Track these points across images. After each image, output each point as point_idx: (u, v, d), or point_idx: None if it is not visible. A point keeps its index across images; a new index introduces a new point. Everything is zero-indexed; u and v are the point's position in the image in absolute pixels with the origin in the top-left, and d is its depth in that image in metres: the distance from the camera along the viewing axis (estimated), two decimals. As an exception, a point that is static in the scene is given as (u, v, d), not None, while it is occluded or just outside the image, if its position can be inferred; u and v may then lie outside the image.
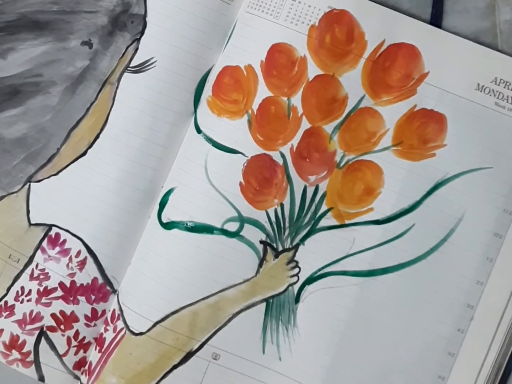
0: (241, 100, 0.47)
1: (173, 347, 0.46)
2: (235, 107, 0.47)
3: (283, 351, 0.46)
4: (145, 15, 0.48)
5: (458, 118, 0.45)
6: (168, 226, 0.47)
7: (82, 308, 0.48)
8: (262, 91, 0.47)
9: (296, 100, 0.47)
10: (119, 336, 0.47)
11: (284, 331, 0.46)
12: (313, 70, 0.47)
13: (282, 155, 0.47)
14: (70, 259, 0.48)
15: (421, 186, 0.46)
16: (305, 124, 0.47)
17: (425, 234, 0.45)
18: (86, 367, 0.48)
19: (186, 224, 0.47)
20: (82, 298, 0.48)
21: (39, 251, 0.48)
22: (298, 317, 0.46)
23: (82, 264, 0.48)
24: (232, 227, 0.47)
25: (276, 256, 0.47)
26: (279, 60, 0.47)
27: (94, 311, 0.48)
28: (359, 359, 0.45)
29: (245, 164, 0.47)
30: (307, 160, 0.47)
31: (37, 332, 0.48)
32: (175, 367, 0.46)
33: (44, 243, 0.48)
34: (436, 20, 0.47)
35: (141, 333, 0.46)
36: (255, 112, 0.47)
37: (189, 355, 0.46)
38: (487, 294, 0.45)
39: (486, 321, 0.44)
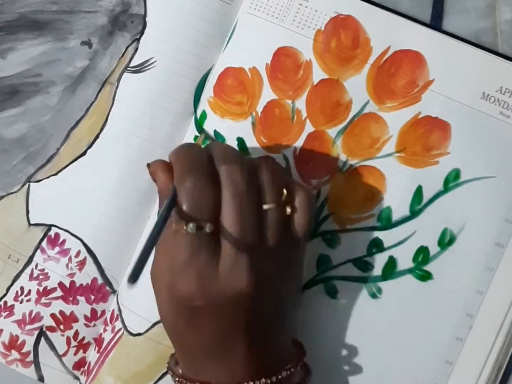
0: (245, 102, 0.47)
1: (171, 348, 0.46)
2: (239, 109, 0.47)
3: (281, 354, 0.46)
4: (145, 15, 0.47)
5: (462, 127, 0.45)
6: (168, 226, 0.47)
7: (82, 308, 0.48)
8: (267, 94, 0.47)
9: (301, 103, 0.46)
10: (117, 336, 0.47)
11: (282, 334, 0.46)
12: (318, 74, 0.46)
13: (285, 158, 0.46)
14: (70, 259, 0.48)
15: (423, 194, 0.45)
16: (309, 128, 0.46)
17: (426, 241, 0.45)
18: (86, 367, 0.48)
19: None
20: (81, 298, 0.48)
21: (38, 251, 0.48)
22: (296, 321, 0.46)
23: (81, 264, 0.48)
24: (233, 228, 0.47)
25: (276, 259, 0.47)
26: (284, 63, 0.46)
27: (93, 311, 0.48)
28: (357, 365, 0.46)
29: (248, 166, 0.47)
30: (310, 163, 0.46)
31: (36, 332, 0.48)
32: (172, 368, 0.46)
33: (44, 243, 0.48)
34: (436, 20, 0.46)
35: (139, 334, 0.47)
36: (259, 114, 0.47)
37: (187, 356, 0.47)
38: (487, 303, 0.45)
39: (485, 330, 0.44)
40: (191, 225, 0.36)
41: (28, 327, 0.48)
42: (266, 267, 0.38)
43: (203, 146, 0.41)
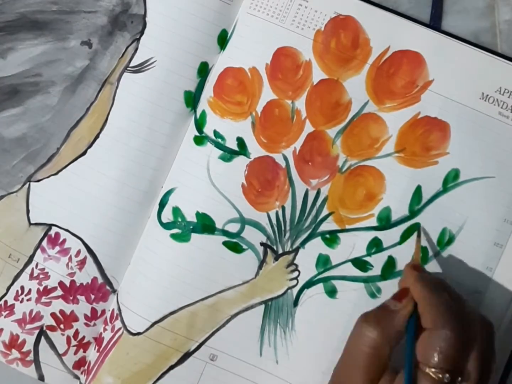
0: (245, 102, 0.47)
1: (171, 348, 0.46)
2: (239, 109, 0.47)
3: (280, 354, 0.47)
4: (144, 15, 0.47)
5: (461, 127, 0.45)
6: (168, 226, 0.47)
7: (82, 307, 0.48)
8: (267, 94, 0.47)
9: (300, 103, 0.46)
10: (117, 336, 0.47)
11: (282, 334, 0.47)
12: (317, 74, 0.46)
13: (285, 158, 0.47)
14: (70, 259, 0.48)
15: (422, 194, 0.45)
16: (309, 128, 0.47)
17: (425, 241, 0.45)
18: (86, 366, 0.48)
19: (187, 224, 0.47)
20: (81, 298, 0.48)
21: (39, 251, 0.48)
22: (296, 321, 0.46)
23: (81, 263, 0.48)
24: (233, 228, 0.47)
25: (276, 259, 0.47)
26: (284, 63, 0.46)
27: (93, 310, 0.48)
28: (356, 365, 0.46)
29: (248, 165, 0.47)
30: (310, 163, 0.46)
31: (37, 331, 0.48)
32: (172, 367, 0.47)
33: (44, 243, 0.48)
34: (435, 20, 0.46)
35: (138, 333, 0.47)
36: (259, 114, 0.47)
37: (186, 355, 0.47)
38: (486, 303, 0.45)
39: (483, 330, 0.45)
40: (447, 375, 0.37)
41: (28, 326, 0.48)
42: None
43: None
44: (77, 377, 0.48)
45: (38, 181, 0.48)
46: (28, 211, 0.48)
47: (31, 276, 0.48)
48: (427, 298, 0.39)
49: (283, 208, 0.47)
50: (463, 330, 0.38)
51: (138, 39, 0.47)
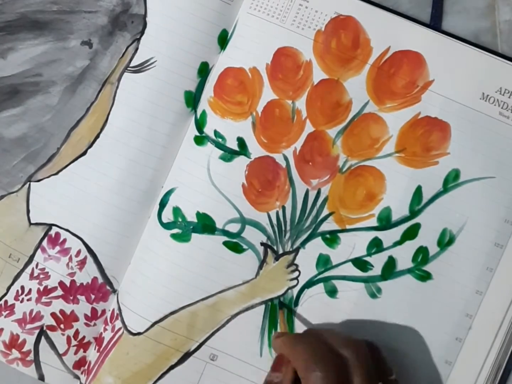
0: (245, 102, 0.47)
1: (171, 348, 0.46)
2: (239, 109, 0.47)
3: (281, 354, 0.47)
4: (145, 15, 0.47)
5: (462, 127, 0.45)
6: (168, 226, 0.47)
7: (82, 307, 0.48)
8: (267, 94, 0.47)
9: (301, 103, 0.46)
10: (117, 336, 0.47)
11: (282, 334, 0.47)
12: (318, 74, 0.46)
13: (285, 158, 0.47)
14: (70, 259, 0.48)
15: (422, 194, 0.45)
16: (309, 128, 0.47)
17: (426, 241, 0.45)
18: (86, 366, 0.48)
19: (187, 224, 0.47)
20: (82, 298, 0.48)
21: (39, 251, 0.48)
22: (296, 321, 0.47)
23: (82, 263, 0.48)
24: (234, 228, 0.47)
25: (276, 259, 0.47)
26: (285, 63, 0.46)
27: (94, 310, 0.48)
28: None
29: (248, 165, 0.47)
30: (310, 163, 0.46)
31: (37, 331, 0.48)
32: (172, 367, 0.47)
33: (44, 243, 0.48)
34: (435, 20, 0.46)
35: (139, 333, 0.47)
36: (260, 114, 0.47)
37: (186, 355, 0.47)
38: (486, 304, 0.45)
39: (484, 330, 0.45)
40: None
41: (28, 326, 0.48)
42: None
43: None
44: (77, 377, 0.48)
45: (38, 181, 0.48)
46: (28, 211, 0.48)
47: (31, 276, 0.48)
48: (294, 351, 0.41)
49: (284, 208, 0.47)
50: (335, 367, 0.39)
51: (139, 39, 0.48)
